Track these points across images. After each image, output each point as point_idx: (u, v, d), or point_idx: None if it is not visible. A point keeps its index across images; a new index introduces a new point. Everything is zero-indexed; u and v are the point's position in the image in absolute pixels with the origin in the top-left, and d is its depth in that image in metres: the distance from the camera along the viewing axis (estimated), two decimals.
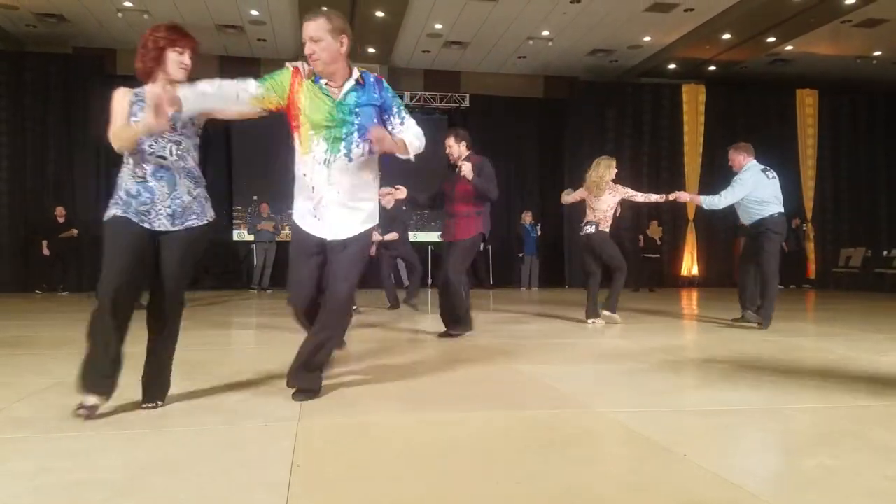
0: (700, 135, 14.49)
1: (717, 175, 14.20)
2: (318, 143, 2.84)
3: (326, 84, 2.84)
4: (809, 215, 14.74)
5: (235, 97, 2.77)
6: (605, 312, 6.45)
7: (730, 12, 11.26)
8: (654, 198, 6.63)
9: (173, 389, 3.00)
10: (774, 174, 6.34)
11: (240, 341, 5.55)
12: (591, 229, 6.55)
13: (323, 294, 3.01)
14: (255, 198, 13.36)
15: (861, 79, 14.54)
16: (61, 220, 11.57)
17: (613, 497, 1.81)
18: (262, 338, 5.72)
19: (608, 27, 12.12)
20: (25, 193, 12.31)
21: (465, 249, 5.20)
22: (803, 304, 9.54)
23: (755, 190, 6.17)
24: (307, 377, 2.99)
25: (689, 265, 14.52)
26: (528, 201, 14.62)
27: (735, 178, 6.33)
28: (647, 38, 12.72)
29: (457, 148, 5.36)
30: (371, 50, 13.38)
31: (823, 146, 15.06)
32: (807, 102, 14.89)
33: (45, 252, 11.41)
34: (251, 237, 12.95)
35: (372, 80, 2.95)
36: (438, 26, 12.20)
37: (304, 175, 2.90)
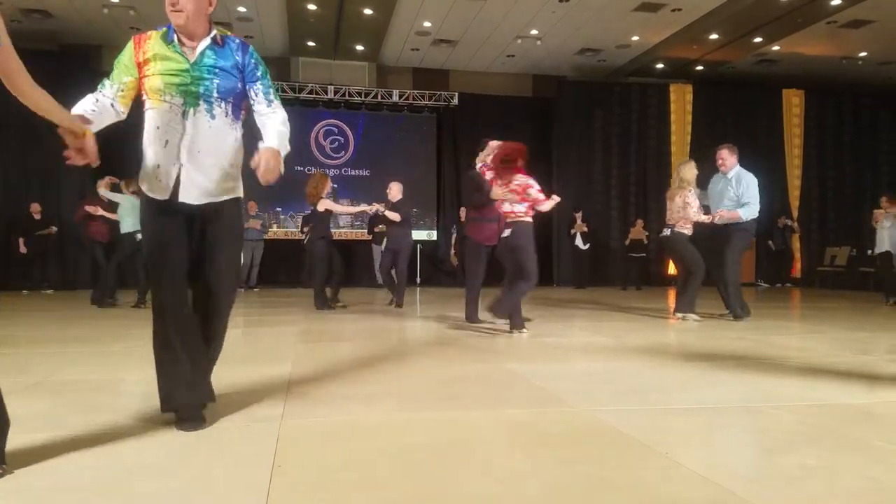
0: (687, 134, 14.56)
1: (703, 175, 14.30)
2: (174, 95, 2.56)
3: (180, 43, 2.59)
4: (795, 214, 14.84)
5: (112, 109, 2.60)
6: (678, 314, 6.69)
7: (717, 12, 11.31)
8: (703, 219, 6.65)
9: (151, 389, 2.98)
10: None
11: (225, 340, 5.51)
12: (666, 232, 6.75)
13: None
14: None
15: (847, 79, 14.65)
16: (37, 216, 11.31)
17: (594, 495, 1.81)
18: (248, 337, 5.69)
19: (596, 26, 12.14)
20: (8, 190, 12.15)
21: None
22: (788, 303, 9.61)
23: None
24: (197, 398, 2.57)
25: None
26: None
27: (744, 182, 6.54)
28: (634, 38, 12.76)
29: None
30: (359, 47, 13.35)
31: (809, 146, 15.17)
32: (793, 102, 15.00)
33: (22, 250, 11.10)
34: None
35: (236, 42, 2.71)
36: (427, 24, 12.18)
37: (158, 128, 2.57)
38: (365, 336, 5.37)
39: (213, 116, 2.60)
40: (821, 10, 11.09)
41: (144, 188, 2.62)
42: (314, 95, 13.83)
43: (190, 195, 2.58)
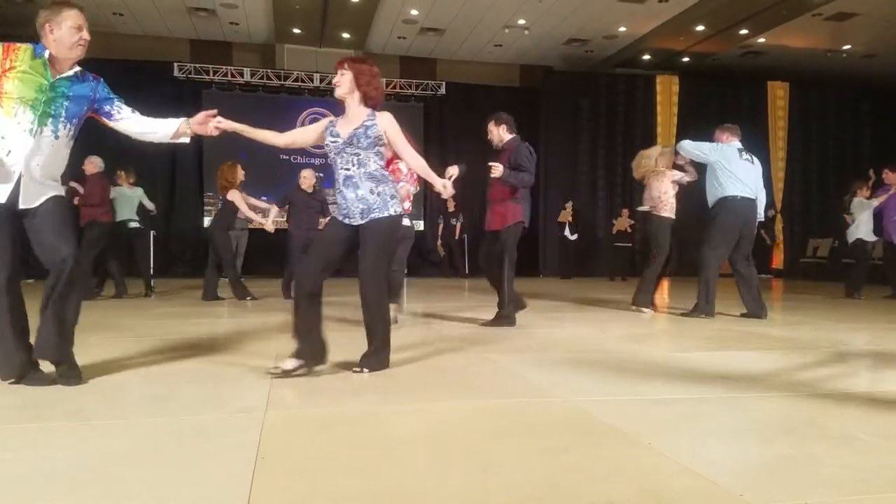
0: (673, 126, 14.62)
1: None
2: (25, 111, 2.88)
3: (51, 64, 2.95)
4: (779, 206, 14.97)
5: None
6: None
7: (704, 4, 11.34)
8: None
9: (134, 379, 2.95)
10: (753, 160, 6.31)
11: (208, 329, 5.48)
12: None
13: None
14: None
15: (831, 72, 14.75)
16: None
17: (576, 486, 1.82)
18: (230, 325, 5.66)
19: (583, 16, 12.13)
20: None
21: (505, 241, 5.28)
22: (770, 293, 9.70)
23: (725, 161, 6.09)
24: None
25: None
26: None
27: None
28: (622, 29, 12.76)
29: (496, 133, 5.48)
30: (346, 35, 13.26)
31: (793, 138, 15.28)
32: (778, 94, 15.09)
33: None
34: None
35: (90, 77, 3.13)
36: (414, 12, 12.12)
37: (3, 138, 2.88)
38: (347, 326, 5.35)
39: (57, 137, 2.99)
40: (806, 3, 11.16)
41: None
42: (299, 83, 13.73)
43: (24, 200, 2.92)
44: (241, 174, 7.53)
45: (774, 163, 15.11)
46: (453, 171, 5.39)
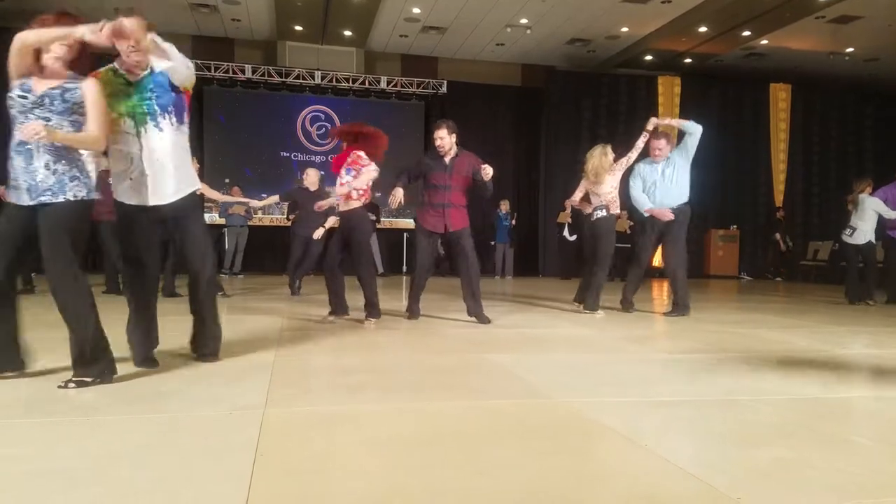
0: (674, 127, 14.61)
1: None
2: (126, 122, 3.15)
3: (127, 72, 3.16)
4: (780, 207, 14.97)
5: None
6: (585, 310, 6.55)
7: (706, 5, 11.32)
8: (640, 142, 6.67)
9: (134, 376, 2.96)
10: None
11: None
12: (602, 213, 6.64)
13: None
14: (226, 181, 13.16)
15: (834, 75, 14.73)
16: None
17: (572, 487, 1.83)
18: (231, 324, 5.66)
19: (586, 16, 12.12)
20: None
21: (471, 239, 5.75)
22: (769, 295, 9.70)
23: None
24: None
25: (661, 255, 14.67)
26: (503, 190, 14.63)
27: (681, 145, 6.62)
28: (624, 29, 12.75)
29: (449, 140, 5.54)
30: (347, 33, 13.25)
31: (795, 140, 15.27)
32: (780, 97, 15.07)
33: None
34: (222, 221, 12.81)
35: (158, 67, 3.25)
36: (416, 11, 12.11)
37: (120, 149, 3.19)
38: (349, 325, 5.36)
39: (160, 129, 3.21)
40: (809, 5, 11.14)
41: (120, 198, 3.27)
42: (301, 80, 13.71)
43: (155, 197, 3.25)
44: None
45: (776, 165, 15.10)
46: (398, 194, 5.54)
